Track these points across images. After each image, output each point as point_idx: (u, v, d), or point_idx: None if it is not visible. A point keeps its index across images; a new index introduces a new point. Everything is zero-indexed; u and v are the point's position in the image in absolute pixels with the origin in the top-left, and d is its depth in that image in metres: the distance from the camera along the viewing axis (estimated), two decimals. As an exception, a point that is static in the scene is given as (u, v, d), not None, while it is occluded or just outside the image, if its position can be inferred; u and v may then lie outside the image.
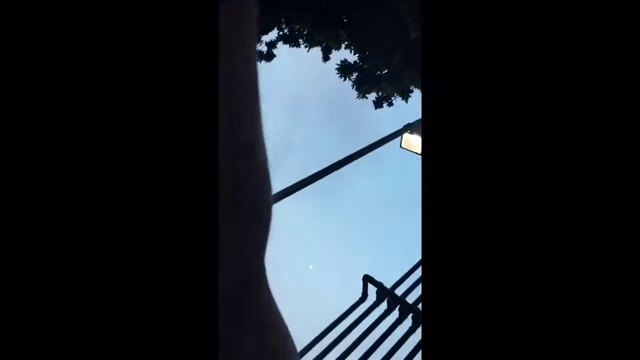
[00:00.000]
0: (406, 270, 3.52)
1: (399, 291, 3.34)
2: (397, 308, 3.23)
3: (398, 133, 4.35)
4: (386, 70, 4.01)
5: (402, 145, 4.43)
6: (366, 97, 4.38)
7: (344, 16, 3.98)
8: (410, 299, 3.26)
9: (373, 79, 4.09)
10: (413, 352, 2.86)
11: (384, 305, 3.27)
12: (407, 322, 3.11)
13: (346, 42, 4.33)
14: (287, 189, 3.21)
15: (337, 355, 2.79)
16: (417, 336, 3.01)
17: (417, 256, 3.66)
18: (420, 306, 3.22)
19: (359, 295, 3.36)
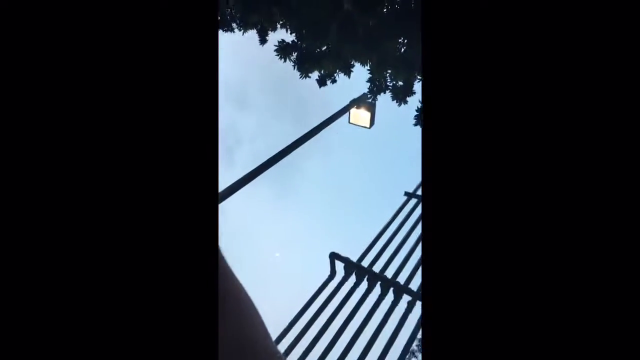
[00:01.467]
0: (369, 242, 3.62)
1: (365, 262, 3.44)
2: (365, 278, 3.33)
3: (345, 109, 4.38)
4: (325, 47, 3.99)
5: (351, 121, 4.48)
6: (309, 77, 4.33)
7: (275, -5, 3.88)
8: (377, 268, 3.37)
9: (313, 58, 4.06)
10: (385, 317, 2.98)
11: (352, 279, 3.36)
12: (377, 290, 3.23)
13: (281, 22, 4.24)
14: (240, 179, 3.15)
15: (316, 332, 2.85)
16: (387, 302, 3.13)
17: (377, 227, 3.76)
18: (386, 273, 3.34)
19: (328, 273, 3.42)
